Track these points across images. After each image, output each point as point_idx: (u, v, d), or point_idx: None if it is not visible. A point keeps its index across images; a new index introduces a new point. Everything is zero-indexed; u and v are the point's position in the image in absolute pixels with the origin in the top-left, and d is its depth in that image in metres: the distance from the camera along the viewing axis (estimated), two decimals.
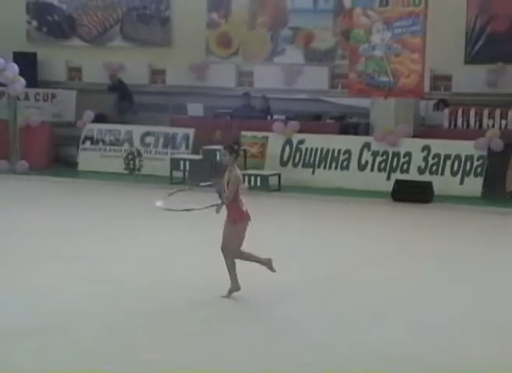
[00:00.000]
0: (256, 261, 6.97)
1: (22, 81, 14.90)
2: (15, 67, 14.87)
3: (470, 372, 5.44)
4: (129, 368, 5.33)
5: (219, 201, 6.72)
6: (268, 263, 7.01)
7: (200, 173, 13.85)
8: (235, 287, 6.87)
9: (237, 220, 6.72)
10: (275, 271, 6.99)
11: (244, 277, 6.97)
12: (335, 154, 13.84)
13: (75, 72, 17.75)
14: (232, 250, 6.75)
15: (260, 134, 14.43)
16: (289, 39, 16.26)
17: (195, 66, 16.69)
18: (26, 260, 8.22)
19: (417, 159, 13.32)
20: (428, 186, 12.49)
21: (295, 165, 14.08)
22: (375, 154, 13.61)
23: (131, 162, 14.39)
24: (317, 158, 13.96)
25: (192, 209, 6.73)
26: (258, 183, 13.22)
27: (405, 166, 13.38)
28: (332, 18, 15.86)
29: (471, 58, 15.10)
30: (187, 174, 13.96)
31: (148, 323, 6.28)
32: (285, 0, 16.14)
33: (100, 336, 5.94)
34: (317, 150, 13.98)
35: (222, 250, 6.80)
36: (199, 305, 6.74)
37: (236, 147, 6.75)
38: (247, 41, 16.52)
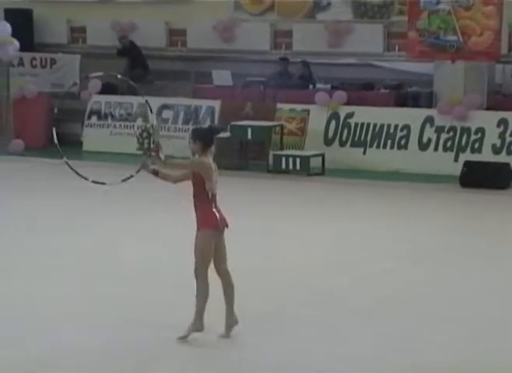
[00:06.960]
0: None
1: (16, 43, 14.94)
2: (8, 26, 14.93)
3: None
4: None
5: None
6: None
7: (228, 154, 13.95)
8: (197, 325, 6.25)
9: (202, 225, 6.30)
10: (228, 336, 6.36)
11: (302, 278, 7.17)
12: (391, 130, 13.89)
13: (78, 33, 17.71)
14: (197, 268, 6.24)
15: (299, 107, 14.47)
16: None
17: (222, 25, 16.60)
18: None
19: (491, 136, 13.33)
20: (504, 168, 12.61)
21: (342, 143, 14.14)
22: (439, 130, 13.63)
23: (146, 141, 14.00)
24: (369, 136, 14.00)
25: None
26: (297, 166, 13.19)
27: (477, 145, 13.41)
28: None
29: None
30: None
31: None
32: None
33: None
34: (368, 125, 14.02)
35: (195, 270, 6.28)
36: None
37: (207, 132, 6.41)
38: None
